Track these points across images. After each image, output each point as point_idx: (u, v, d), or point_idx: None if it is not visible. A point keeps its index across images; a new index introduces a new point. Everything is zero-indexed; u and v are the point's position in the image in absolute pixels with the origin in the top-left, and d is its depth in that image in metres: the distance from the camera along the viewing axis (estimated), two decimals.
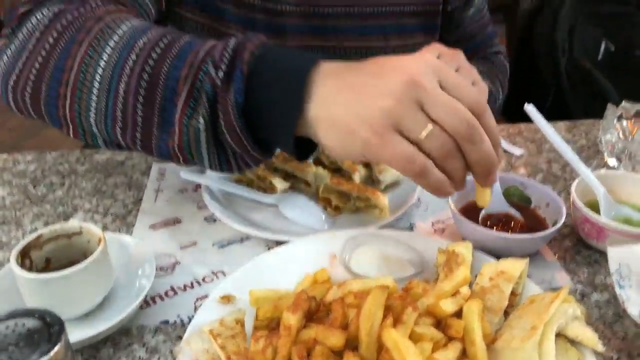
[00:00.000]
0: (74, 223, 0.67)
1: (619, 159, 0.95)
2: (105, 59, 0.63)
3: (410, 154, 0.53)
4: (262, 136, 0.60)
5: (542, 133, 0.82)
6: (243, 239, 0.80)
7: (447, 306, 0.57)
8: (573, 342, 0.58)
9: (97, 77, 0.63)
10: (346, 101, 0.56)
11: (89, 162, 1.00)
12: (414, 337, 0.53)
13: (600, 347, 0.56)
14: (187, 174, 0.88)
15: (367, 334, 0.52)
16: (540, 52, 1.66)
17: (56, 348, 0.44)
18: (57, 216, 0.86)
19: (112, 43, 0.63)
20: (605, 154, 0.97)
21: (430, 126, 0.53)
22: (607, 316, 0.67)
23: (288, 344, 0.53)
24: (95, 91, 0.63)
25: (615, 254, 0.64)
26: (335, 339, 0.51)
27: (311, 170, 0.89)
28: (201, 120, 0.58)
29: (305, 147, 0.61)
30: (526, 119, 0.85)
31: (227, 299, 0.65)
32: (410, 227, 0.83)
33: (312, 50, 1.03)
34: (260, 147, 0.61)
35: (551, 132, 0.83)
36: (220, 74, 0.57)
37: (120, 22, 0.66)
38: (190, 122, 0.59)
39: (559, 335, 0.58)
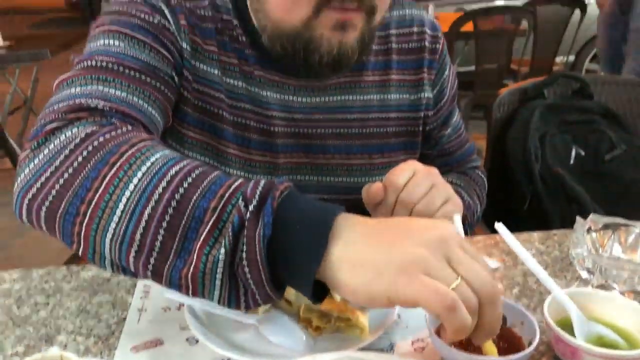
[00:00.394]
0: (54, 352, 0.68)
1: (591, 272, 0.98)
2: (135, 182, 0.64)
3: (443, 288, 0.55)
4: (281, 273, 0.61)
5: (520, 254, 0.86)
6: None
7: None
8: None
9: (123, 200, 0.63)
10: (376, 246, 0.59)
11: (75, 280, 1.01)
12: None
13: None
14: (171, 294, 0.90)
15: None
16: (514, 160, 1.74)
17: None
18: (39, 339, 0.86)
19: (143, 168, 0.65)
20: (577, 267, 1.00)
21: (458, 280, 0.57)
22: None
23: None
24: (118, 212, 0.63)
25: None
26: None
27: (292, 290, 0.91)
28: (222, 250, 0.59)
29: (320, 289, 0.63)
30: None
31: None
32: (391, 346, 0.84)
33: (301, 166, 1.09)
34: (275, 285, 0.62)
35: (522, 250, 0.87)
36: (251, 207, 0.59)
37: (154, 150, 0.68)
38: (210, 252, 0.59)
39: None
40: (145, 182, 0.64)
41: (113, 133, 0.73)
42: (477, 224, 1.31)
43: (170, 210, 0.61)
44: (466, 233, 1.16)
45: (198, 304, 0.88)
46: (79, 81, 0.81)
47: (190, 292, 0.64)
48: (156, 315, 0.91)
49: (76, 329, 0.88)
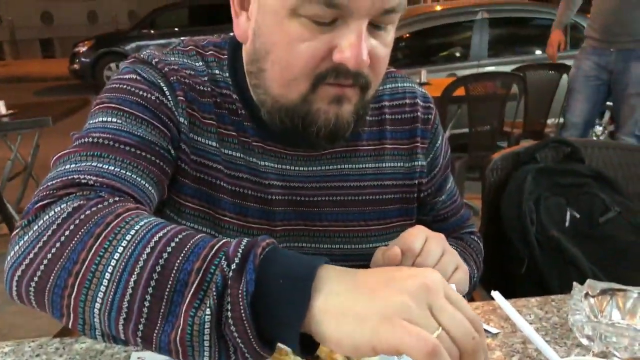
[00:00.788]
0: None
1: (590, 339, 0.97)
2: (120, 251, 0.65)
3: (424, 333, 0.55)
4: (267, 329, 0.61)
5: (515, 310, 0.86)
6: None
7: None
8: None
9: (109, 269, 0.65)
10: (358, 295, 0.60)
11: (68, 353, 0.99)
12: None
13: None
14: None
15: None
16: (510, 223, 1.75)
17: None
18: None
19: (128, 237, 0.66)
20: (577, 334, 0.99)
21: (439, 330, 0.57)
22: None
23: None
24: (105, 282, 0.64)
25: None
26: None
27: (288, 359, 0.90)
28: (208, 311, 0.59)
29: (310, 343, 0.63)
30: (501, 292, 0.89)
31: None
32: None
33: (298, 233, 1.10)
34: (262, 342, 0.61)
35: (519, 318, 0.87)
36: (233, 265, 0.61)
37: (138, 218, 0.70)
38: (196, 314, 0.60)
39: None
40: (130, 250, 0.65)
41: (100, 205, 0.74)
42: (474, 290, 1.31)
43: (155, 276, 0.62)
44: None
45: None
46: (74, 158, 0.83)
47: (180, 356, 0.63)
48: None
49: None
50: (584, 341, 0.99)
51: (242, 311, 0.59)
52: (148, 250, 0.64)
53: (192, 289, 0.61)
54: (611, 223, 1.78)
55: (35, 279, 0.69)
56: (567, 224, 1.82)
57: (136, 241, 0.66)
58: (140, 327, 0.63)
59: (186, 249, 0.64)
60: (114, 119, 0.90)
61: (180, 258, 0.63)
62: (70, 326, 0.70)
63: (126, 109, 0.93)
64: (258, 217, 1.07)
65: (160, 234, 0.67)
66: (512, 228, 1.75)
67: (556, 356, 0.83)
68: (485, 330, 1.05)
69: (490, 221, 1.82)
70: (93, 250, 0.67)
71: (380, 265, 0.99)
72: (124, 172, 0.84)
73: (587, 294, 1.05)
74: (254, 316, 0.59)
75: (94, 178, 0.81)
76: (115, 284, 0.64)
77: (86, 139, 0.86)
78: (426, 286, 0.59)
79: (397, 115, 1.19)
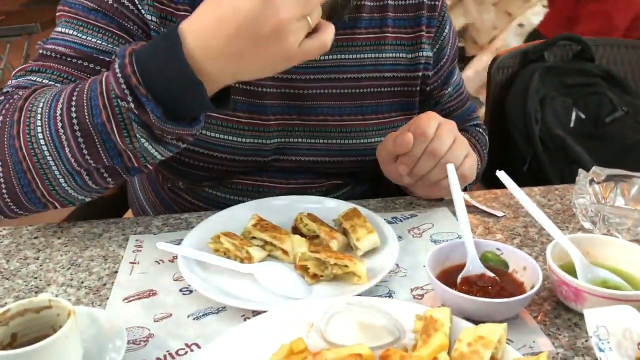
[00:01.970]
0: (43, 297, 0.66)
1: (593, 223, 0.96)
2: (41, 137, 0.78)
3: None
4: (188, 112, 0.76)
5: (523, 202, 0.84)
6: (219, 309, 0.79)
7: None
8: None
9: (47, 154, 0.78)
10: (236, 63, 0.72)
11: (66, 235, 0.99)
12: None
13: None
14: (163, 245, 0.88)
15: None
16: (514, 122, 1.71)
17: None
18: (28, 290, 0.84)
19: (39, 122, 0.78)
20: (580, 218, 0.98)
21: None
22: None
23: None
24: (52, 164, 0.79)
25: (593, 316, 0.64)
26: None
27: (288, 239, 0.89)
28: (142, 140, 0.76)
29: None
30: (503, 185, 0.87)
31: None
32: (389, 295, 0.82)
33: (292, 128, 1.07)
34: (190, 122, 0.77)
35: (524, 197, 0.85)
36: (132, 104, 0.72)
37: (37, 102, 0.80)
38: (132, 142, 0.76)
39: None
40: (48, 131, 0.78)
41: (7, 106, 0.83)
42: (478, 182, 1.29)
43: (81, 140, 0.77)
44: (466, 189, 1.14)
45: (191, 254, 0.86)
46: (19, 73, 0.94)
47: (148, 166, 0.82)
48: (149, 268, 0.89)
49: (67, 281, 0.86)
50: (587, 225, 0.98)
51: (163, 125, 0.74)
52: (60, 124, 0.77)
53: (117, 132, 0.75)
54: (617, 123, 1.74)
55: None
56: (572, 124, 1.78)
57: (46, 121, 0.78)
58: (105, 176, 0.82)
59: (86, 107, 0.75)
60: (70, 31, 0.94)
61: (87, 116, 0.75)
62: (61, 207, 0.88)
63: (82, 17, 0.94)
64: (248, 111, 1.03)
65: (60, 105, 0.77)
66: (516, 127, 1.71)
67: (559, 232, 0.82)
68: (490, 214, 1.04)
69: (494, 120, 1.78)
70: (24, 148, 0.79)
71: (390, 152, 0.97)
72: (49, 82, 0.91)
73: (592, 181, 1.03)
74: (172, 116, 0.74)
75: (17, 89, 0.88)
76: (59, 160, 0.79)
77: (41, 51, 0.94)
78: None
79: (401, 0, 1.11)
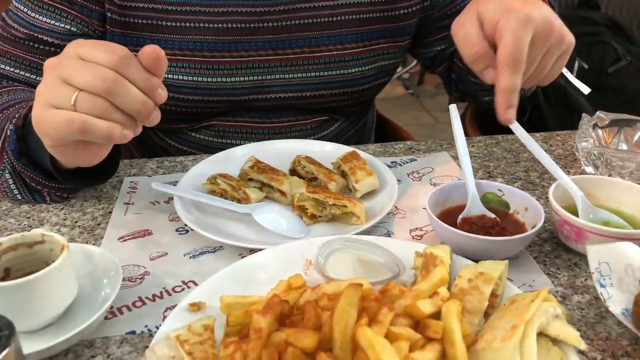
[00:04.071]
0: (35, 231, 0.64)
1: (595, 167, 0.95)
2: None
3: (67, 117, 0.63)
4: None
5: (519, 144, 0.82)
6: (216, 248, 0.78)
7: (425, 307, 0.55)
8: (555, 342, 0.56)
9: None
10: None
11: None
12: (391, 337, 0.51)
13: (583, 345, 0.54)
14: (158, 185, 0.86)
15: (341, 333, 0.49)
16: None
17: (4, 352, 0.41)
18: (21, 229, 0.82)
19: None
20: (582, 162, 0.97)
21: (75, 93, 0.62)
22: (589, 317, 0.65)
23: (258, 348, 0.50)
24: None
25: (595, 253, 0.63)
26: (308, 340, 0.49)
27: (286, 180, 0.87)
28: (7, 175, 0.84)
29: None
30: (503, 131, 0.85)
31: (196, 306, 0.62)
32: (388, 235, 0.81)
33: (268, 64, 1.03)
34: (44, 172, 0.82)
35: (527, 137, 0.83)
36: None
37: None
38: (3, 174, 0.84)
39: (540, 334, 0.56)
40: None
41: None
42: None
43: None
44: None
45: (188, 195, 0.85)
46: None
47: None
48: (144, 209, 0.87)
49: (60, 220, 0.84)
50: (589, 169, 0.96)
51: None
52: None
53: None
54: (621, 72, 1.71)
55: None
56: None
57: None
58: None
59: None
60: (23, 7, 0.96)
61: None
62: None
63: None
64: (216, 50, 0.99)
65: None
66: None
67: (561, 171, 0.80)
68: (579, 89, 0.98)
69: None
70: None
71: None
72: (7, 67, 0.97)
73: (595, 125, 1.02)
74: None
75: None
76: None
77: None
78: (51, 66, 0.65)
79: None
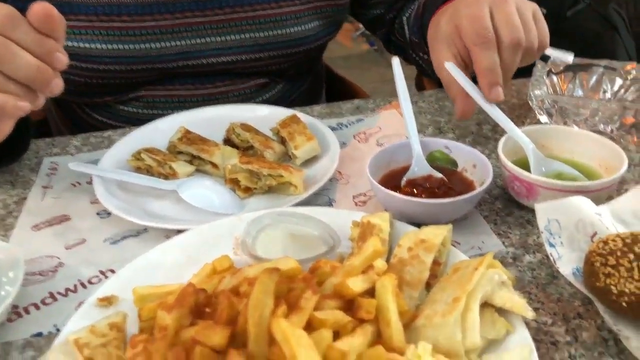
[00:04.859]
0: None
1: (549, 115, 0.89)
2: None
3: None
4: None
5: (473, 96, 0.77)
6: (139, 232, 0.71)
7: (355, 284, 0.49)
8: (501, 312, 0.51)
9: None
10: None
11: None
12: (314, 325, 0.45)
13: (530, 314, 0.49)
14: (76, 165, 0.78)
15: (256, 326, 0.43)
16: None
17: None
18: None
19: None
20: (536, 111, 0.91)
21: None
22: (540, 278, 0.60)
23: (163, 348, 0.44)
24: None
25: (543, 210, 0.58)
26: (217, 336, 0.43)
27: (218, 151, 0.80)
28: None
29: None
30: None
31: (107, 300, 0.55)
32: (330, 204, 0.75)
33: (197, 27, 0.94)
34: None
35: (473, 89, 0.77)
36: None
37: None
38: None
39: (485, 305, 0.51)
40: None
41: None
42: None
43: None
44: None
45: (109, 174, 0.77)
46: None
47: None
48: (64, 192, 0.79)
49: None
50: (543, 119, 0.91)
51: None
52: None
53: None
54: (579, 15, 1.65)
55: None
56: None
57: None
58: None
59: None
60: None
61: None
62: None
63: None
64: (138, 14, 0.89)
65: None
66: None
67: (511, 123, 0.75)
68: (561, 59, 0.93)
69: None
70: None
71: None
72: None
73: (549, 72, 0.96)
74: None
75: None
76: None
77: None
78: None
79: None
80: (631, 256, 0.50)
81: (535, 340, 0.52)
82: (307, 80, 1.14)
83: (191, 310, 0.48)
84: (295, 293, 0.47)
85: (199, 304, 0.49)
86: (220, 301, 0.46)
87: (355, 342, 0.44)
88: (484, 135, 0.90)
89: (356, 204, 0.75)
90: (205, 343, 0.43)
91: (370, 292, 0.50)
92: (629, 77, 0.92)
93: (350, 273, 0.51)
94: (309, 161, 0.81)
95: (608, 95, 0.93)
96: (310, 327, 0.45)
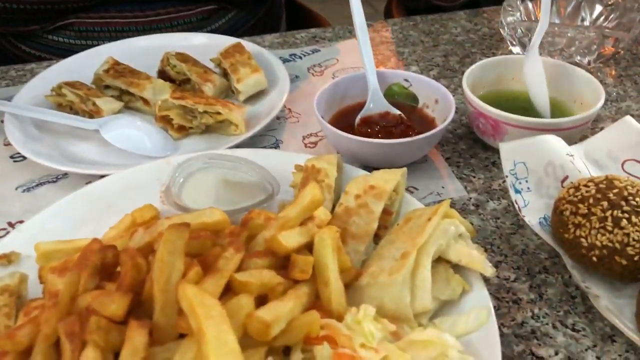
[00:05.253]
0: None
1: (522, 45, 0.81)
2: None
3: None
4: None
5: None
6: (58, 177, 0.62)
7: (289, 239, 0.42)
8: (458, 268, 0.45)
9: None
10: None
11: None
12: (236, 288, 0.38)
13: (489, 271, 0.43)
14: None
15: (162, 293, 0.36)
16: None
17: None
18: None
19: None
20: (508, 41, 0.83)
21: None
22: (505, 228, 0.54)
23: (54, 318, 0.36)
24: None
25: (509, 151, 0.51)
26: (115, 305, 0.36)
27: (149, 85, 0.70)
28: None
29: None
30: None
31: (6, 258, 0.48)
32: (276, 145, 0.67)
33: None
34: None
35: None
36: None
37: None
38: None
39: (439, 261, 0.45)
40: None
41: None
42: None
43: None
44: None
45: (24, 111, 0.67)
46: None
47: None
48: None
49: None
50: (516, 49, 0.83)
51: None
52: None
53: None
54: None
55: None
56: None
57: None
58: None
59: None
60: None
61: None
62: None
63: None
64: None
65: None
66: None
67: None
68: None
69: None
70: None
71: None
72: None
73: None
74: None
75: None
76: None
77: None
78: None
79: None
80: (605, 204, 0.44)
81: (495, 298, 0.46)
82: (262, 9, 1.03)
83: (97, 272, 0.41)
84: (214, 252, 0.40)
85: (108, 264, 0.42)
86: (123, 262, 0.38)
87: (283, 308, 0.37)
88: (451, 67, 0.81)
89: (306, 145, 0.67)
90: (100, 312, 0.36)
91: (310, 248, 0.44)
92: (609, 2, 0.83)
93: (285, 226, 0.44)
94: (255, 97, 0.72)
95: (586, 23, 0.85)
96: (232, 292, 0.38)
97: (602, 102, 0.60)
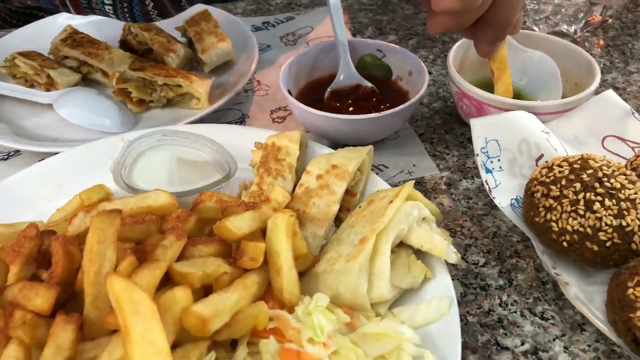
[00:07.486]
0: None
1: None
2: None
3: None
4: None
5: None
6: (10, 154, 0.59)
7: (238, 225, 0.39)
8: (422, 254, 0.42)
9: None
10: None
11: None
12: (176, 279, 0.35)
13: (453, 258, 0.40)
14: None
15: (93, 284, 0.33)
16: None
17: None
18: None
19: None
20: None
21: None
22: (476, 208, 0.51)
23: None
24: None
25: (481, 128, 0.48)
26: (40, 299, 0.33)
27: (108, 55, 0.66)
28: None
29: None
30: None
31: None
32: (242, 121, 0.63)
33: None
34: None
35: None
36: None
37: None
38: None
39: (402, 246, 0.42)
40: None
41: None
42: None
43: None
44: None
45: None
46: None
47: None
48: None
49: None
50: None
51: None
52: None
53: None
54: None
55: None
56: None
57: None
58: None
59: None
60: None
61: None
62: None
63: None
64: None
65: None
66: None
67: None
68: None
69: None
70: None
71: None
72: None
73: None
74: None
75: None
76: None
77: None
78: None
79: None
80: (577, 186, 0.41)
81: (462, 284, 0.44)
82: None
83: (32, 260, 0.38)
84: (153, 239, 0.37)
85: (45, 252, 0.39)
86: (54, 251, 0.36)
87: (227, 300, 0.35)
88: (431, 37, 0.77)
89: (274, 120, 0.63)
90: (25, 306, 0.33)
91: (265, 232, 0.41)
92: None
93: (237, 210, 0.41)
94: (222, 68, 0.69)
95: None
96: (172, 283, 0.35)
97: (597, 82, 0.55)
